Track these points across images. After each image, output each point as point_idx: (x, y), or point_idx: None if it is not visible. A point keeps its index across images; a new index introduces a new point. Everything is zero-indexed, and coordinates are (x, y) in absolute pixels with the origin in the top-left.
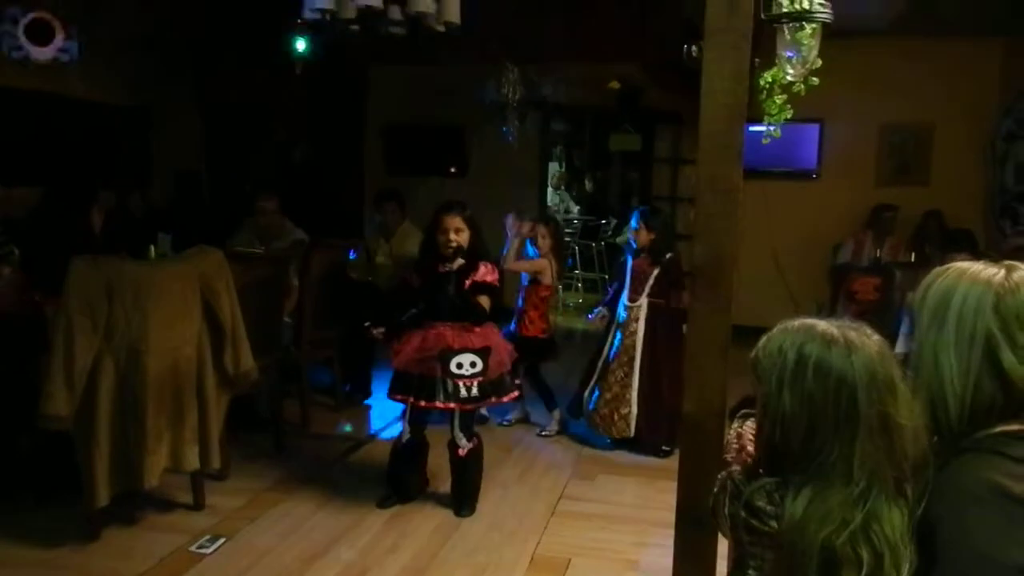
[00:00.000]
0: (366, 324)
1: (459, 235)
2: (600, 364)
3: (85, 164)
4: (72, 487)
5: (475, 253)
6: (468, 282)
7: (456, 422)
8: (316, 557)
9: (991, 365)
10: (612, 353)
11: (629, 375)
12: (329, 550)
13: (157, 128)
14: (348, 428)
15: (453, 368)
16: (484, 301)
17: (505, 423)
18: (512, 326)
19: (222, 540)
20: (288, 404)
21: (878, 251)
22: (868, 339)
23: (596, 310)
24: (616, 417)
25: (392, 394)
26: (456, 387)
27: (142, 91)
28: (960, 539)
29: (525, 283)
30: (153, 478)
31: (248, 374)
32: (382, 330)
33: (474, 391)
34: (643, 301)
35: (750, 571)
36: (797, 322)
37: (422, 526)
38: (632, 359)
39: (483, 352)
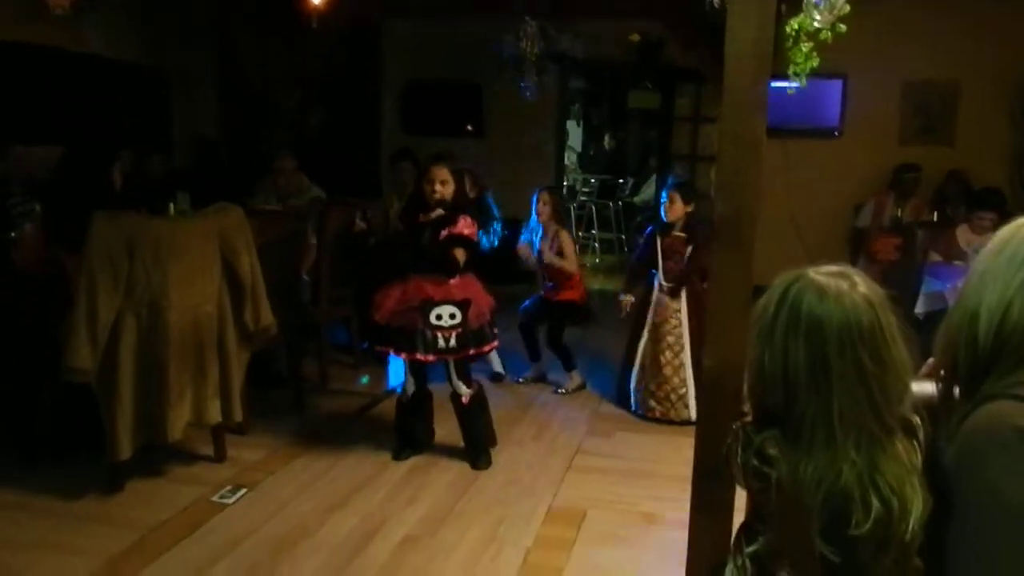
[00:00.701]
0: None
1: (444, 187)
2: (641, 348)
3: (105, 123)
4: (97, 442)
5: (457, 206)
6: (444, 233)
7: (452, 371)
8: (335, 508)
9: None
10: (645, 329)
11: (679, 354)
12: (348, 501)
13: (176, 91)
14: (365, 382)
15: (432, 319)
16: (459, 254)
17: (520, 381)
18: (541, 292)
19: (243, 491)
20: (306, 361)
21: (899, 212)
22: (854, 286)
23: (621, 297)
24: (674, 398)
25: (373, 345)
26: (435, 338)
27: (162, 51)
28: (983, 484)
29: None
30: (176, 431)
31: (268, 330)
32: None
33: (452, 342)
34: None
35: (767, 521)
36: (790, 273)
37: (439, 479)
38: (679, 338)
39: (463, 304)
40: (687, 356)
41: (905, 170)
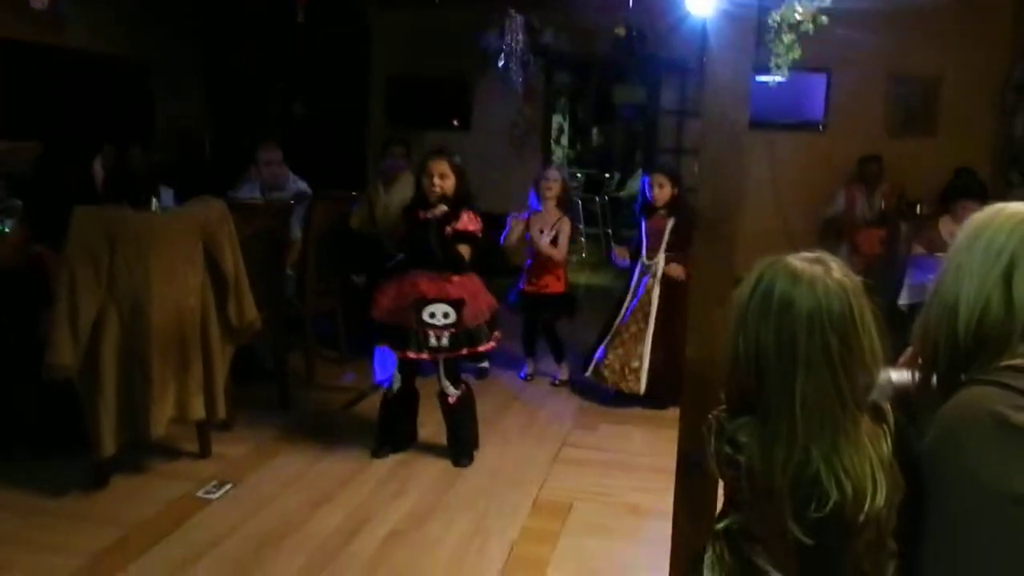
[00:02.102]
0: (349, 272)
1: (444, 180)
2: (617, 321)
3: (86, 117)
4: (79, 439)
5: (459, 201)
6: (449, 230)
7: (441, 371)
8: (321, 503)
9: (1004, 285)
10: (628, 310)
11: (644, 330)
12: (333, 496)
13: (159, 84)
14: (351, 378)
15: (425, 317)
16: (464, 250)
17: (525, 378)
18: (520, 285)
19: (228, 486)
20: (291, 356)
21: (871, 203)
22: (828, 271)
23: (615, 255)
24: (627, 371)
25: (371, 342)
26: (426, 336)
27: (143, 45)
28: (959, 468)
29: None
30: (159, 428)
31: (252, 325)
32: (362, 277)
33: (444, 341)
34: (660, 257)
35: (741, 509)
36: (768, 259)
37: (425, 473)
38: (647, 315)
39: (457, 303)
40: (650, 331)
41: (867, 161)
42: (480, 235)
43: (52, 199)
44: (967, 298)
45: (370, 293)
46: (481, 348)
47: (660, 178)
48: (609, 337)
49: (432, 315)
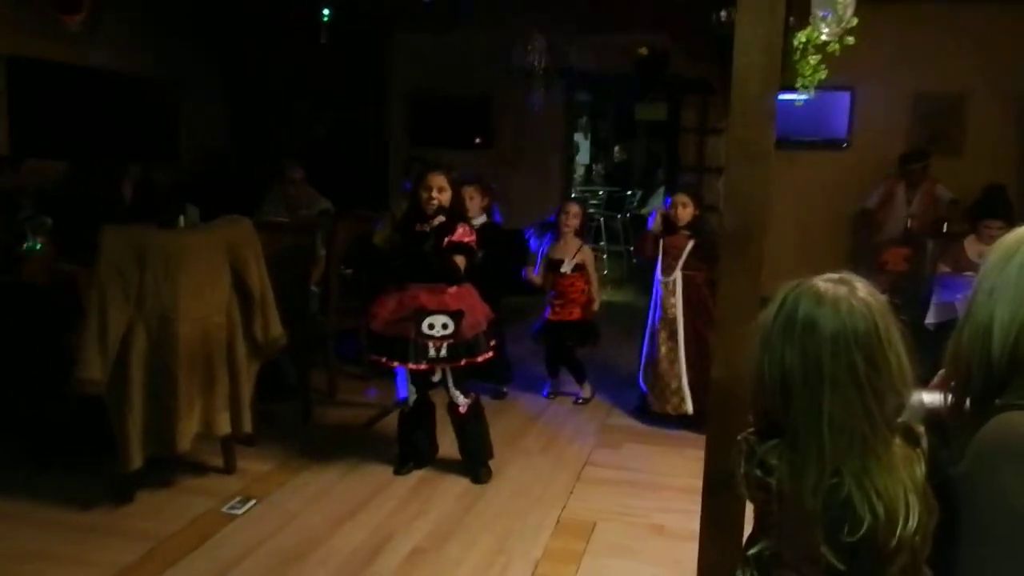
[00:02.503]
0: (347, 271)
1: (441, 194)
2: (647, 339)
3: (114, 136)
4: (105, 454)
5: (454, 214)
6: (445, 241)
7: (450, 380)
8: (344, 520)
9: None
10: (652, 328)
11: (675, 349)
12: (356, 514)
13: (184, 104)
14: (373, 395)
15: (424, 328)
16: (460, 261)
17: (580, 401)
18: (545, 315)
19: (252, 502)
20: (314, 373)
21: (908, 200)
22: (853, 291)
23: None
24: (669, 392)
25: (369, 355)
26: (425, 347)
27: (169, 64)
28: (994, 494)
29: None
30: (185, 443)
31: (277, 341)
32: (350, 271)
33: (443, 352)
34: (677, 275)
35: (771, 533)
36: (793, 281)
37: (447, 492)
38: (675, 333)
39: (456, 314)
40: (681, 349)
41: (908, 161)
42: (475, 247)
43: (81, 217)
44: (1001, 321)
45: (368, 297)
46: (480, 358)
47: (683, 198)
48: (643, 363)
49: (431, 326)
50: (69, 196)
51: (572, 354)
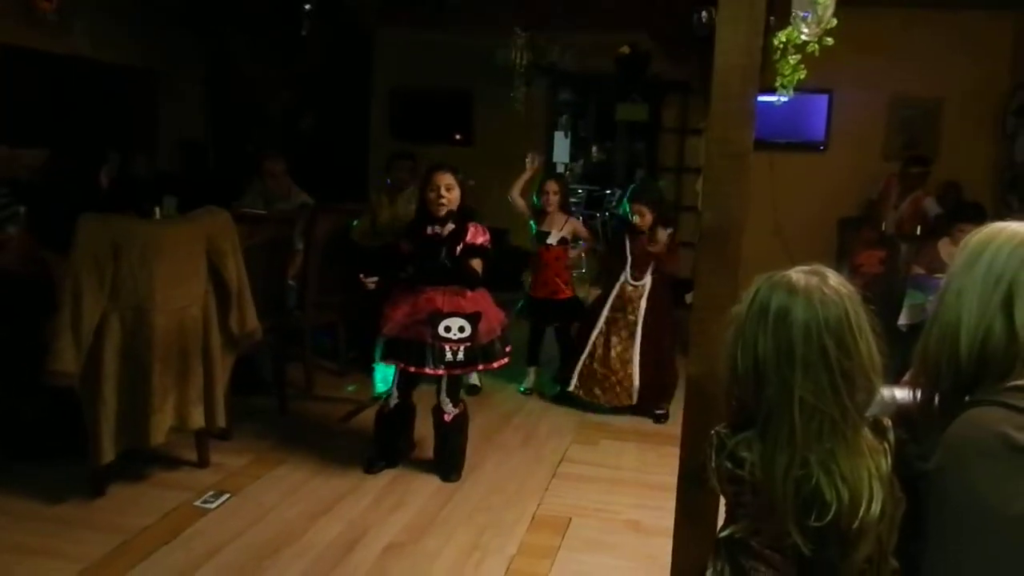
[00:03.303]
0: (360, 274)
1: (450, 192)
2: (593, 337)
3: (91, 125)
4: (77, 447)
5: (464, 214)
6: (460, 246)
7: (443, 387)
8: (320, 514)
9: (1005, 314)
10: (610, 321)
11: (630, 349)
12: (332, 508)
13: (163, 94)
14: (352, 389)
15: (441, 331)
16: (477, 264)
17: (525, 392)
18: (528, 293)
19: (226, 496)
20: (291, 367)
21: (897, 206)
22: (824, 280)
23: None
24: (619, 389)
25: (383, 359)
26: (442, 350)
27: (149, 53)
28: (964, 488)
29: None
30: (159, 436)
31: (253, 334)
32: (375, 279)
33: (460, 355)
34: (647, 280)
35: (740, 522)
36: (766, 274)
37: (424, 488)
38: (633, 334)
39: (473, 317)
40: (636, 350)
41: (912, 163)
42: (489, 247)
43: (57, 206)
44: (968, 324)
45: (379, 298)
46: (496, 364)
47: (640, 207)
48: (588, 352)
49: (448, 329)
50: (46, 184)
51: (565, 335)
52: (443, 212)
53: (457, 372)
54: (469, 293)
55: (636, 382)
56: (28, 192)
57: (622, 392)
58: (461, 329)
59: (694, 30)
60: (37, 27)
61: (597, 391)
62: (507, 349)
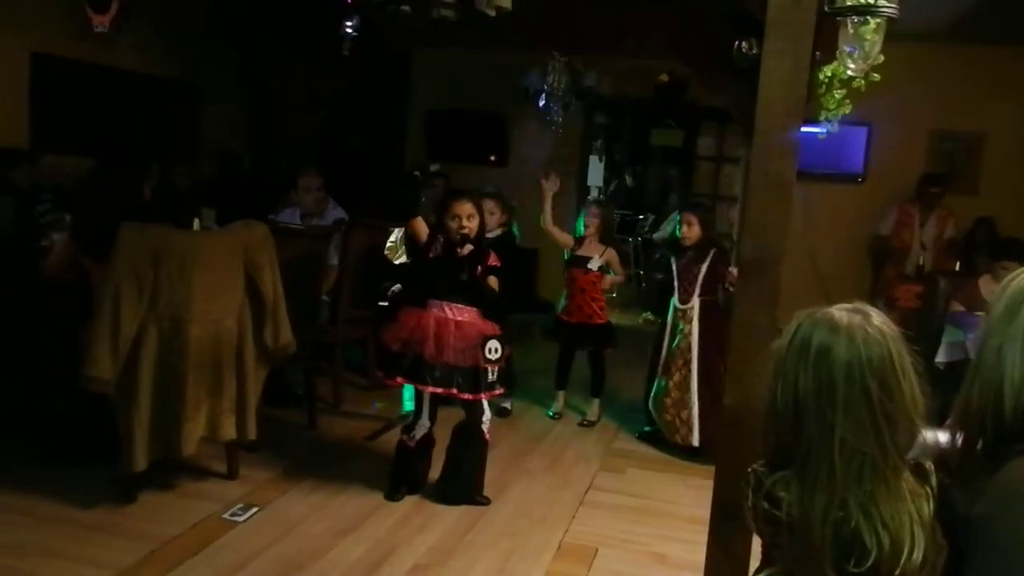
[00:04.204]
0: (385, 283)
1: (471, 221)
2: (660, 366)
3: (134, 136)
4: (110, 453)
5: (480, 239)
6: (480, 268)
7: (486, 408)
8: (346, 532)
9: None
10: (669, 352)
11: (688, 378)
12: (358, 526)
13: (204, 107)
14: (380, 406)
15: (487, 353)
16: (493, 282)
17: (585, 423)
18: (559, 313)
19: (254, 510)
20: (320, 382)
21: (923, 225)
22: (868, 319)
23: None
24: (679, 423)
25: (430, 386)
26: (486, 372)
27: (192, 67)
28: (1009, 536)
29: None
30: (190, 446)
31: (286, 348)
32: (397, 286)
33: (493, 375)
34: (695, 302)
35: (777, 564)
36: (808, 310)
37: (450, 510)
38: (688, 362)
39: (502, 339)
40: (694, 378)
41: (929, 183)
42: (500, 266)
43: (101, 214)
44: (1011, 380)
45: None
46: (509, 388)
47: (689, 216)
48: (652, 391)
49: (491, 350)
50: (91, 193)
51: (598, 360)
52: (461, 240)
53: (496, 394)
54: (483, 315)
55: (696, 415)
56: (72, 200)
57: (683, 427)
58: (497, 350)
59: (733, 60)
60: (87, 40)
61: (664, 427)
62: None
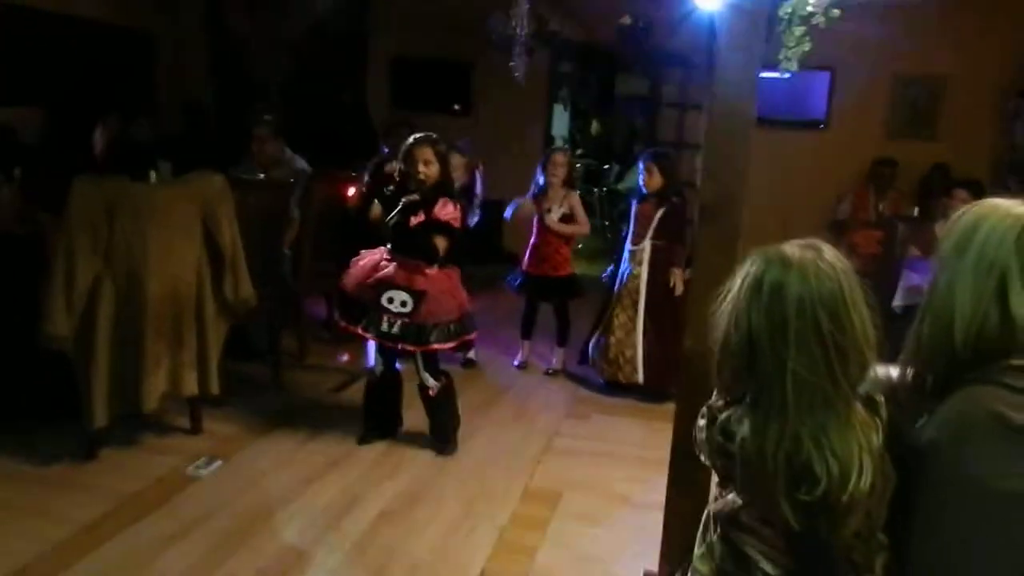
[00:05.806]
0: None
1: (428, 167)
2: (608, 310)
3: (90, 87)
4: (71, 409)
5: (439, 188)
6: (420, 217)
7: (420, 363)
8: (311, 481)
9: (999, 300)
10: (617, 293)
11: (634, 319)
12: (324, 475)
13: (164, 56)
14: (343, 360)
15: (383, 301)
16: (440, 242)
17: (550, 372)
18: (523, 267)
19: (218, 463)
20: (284, 335)
21: (879, 206)
22: (819, 254)
23: (608, 270)
24: (622, 360)
25: (340, 318)
26: (380, 319)
27: (150, 17)
28: (958, 466)
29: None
30: (152, 401)
31: (247, 302)
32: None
33: (395, 329)
34: (646, 244)
35: (729, 496)
36: (761, 248)
37: (416, 458)
38: (636, 303)
39: (417, 294)
40: (640, 319)
41: (881, 164)
42: (457, 227)
43: (52, 166)
44: (962, 314)
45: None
46: (433, 347)
47: (650, 164)
48: (601, 327)
49: (390, 300)
50: (41, 145)
51: (564, 311)
52: (416, 185)
53: (387, 345)
54: (434, 270)
55: (640, 354)
56: (24, 151)
57: (626, 366)
58: (403, 303)
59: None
60: None
61: (604, 364)
62: (466, 337)
